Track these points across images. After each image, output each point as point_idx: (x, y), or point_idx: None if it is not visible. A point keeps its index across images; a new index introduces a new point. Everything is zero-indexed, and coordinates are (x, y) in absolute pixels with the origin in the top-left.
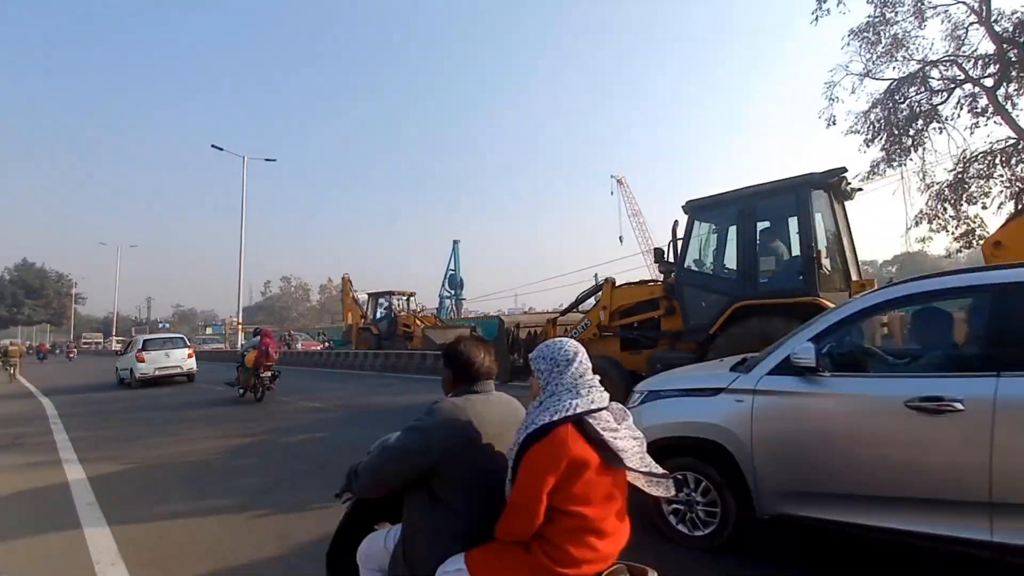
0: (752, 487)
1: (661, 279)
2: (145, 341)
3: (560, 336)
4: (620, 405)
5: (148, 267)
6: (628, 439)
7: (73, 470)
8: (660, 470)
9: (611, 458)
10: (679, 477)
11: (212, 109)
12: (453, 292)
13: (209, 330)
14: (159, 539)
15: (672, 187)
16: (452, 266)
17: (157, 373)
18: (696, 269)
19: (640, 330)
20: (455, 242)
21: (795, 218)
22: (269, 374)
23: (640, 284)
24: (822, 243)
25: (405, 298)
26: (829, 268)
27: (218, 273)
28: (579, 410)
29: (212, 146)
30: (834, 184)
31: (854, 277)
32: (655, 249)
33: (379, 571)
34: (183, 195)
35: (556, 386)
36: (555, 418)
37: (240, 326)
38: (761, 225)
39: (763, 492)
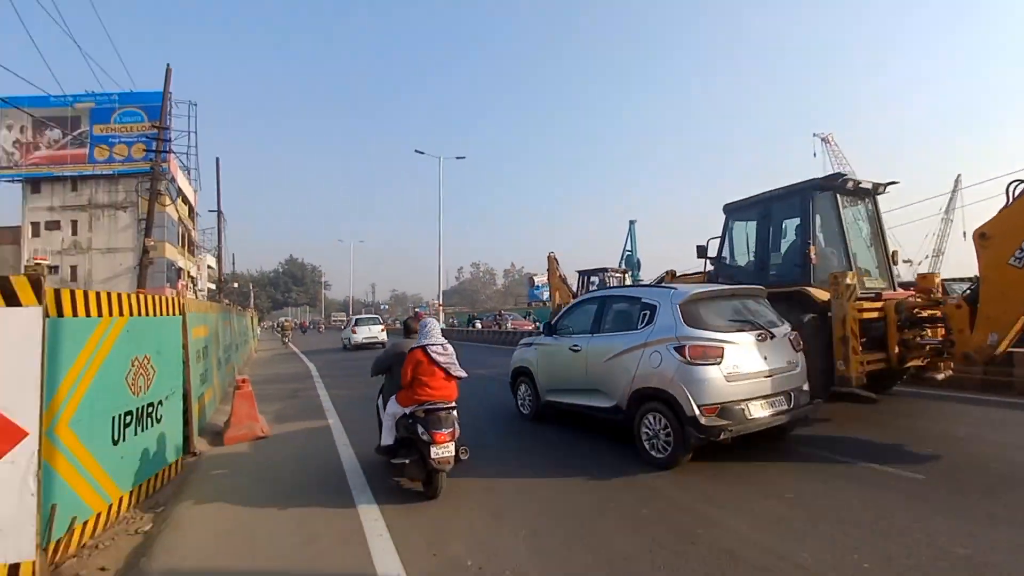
0: (539, 387)
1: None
2: (356, 319)
3: None
4: (444, 340)
5: (373, 258)
6: (442, 355)
7: (331, 417)
8: (457, 369)
9: (432, 360)
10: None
11: (410, 111)
12: (630, 273)
13: (418, 311)
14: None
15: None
16: (628, 246)
17: (363, 340)
18: (727, 262)
19: None
20: (631, 222)
21: (797, 218)
22: None
23: (695, 274)
24: (821, 240)
25: (620, 275)
26: (838, 262)
27: (423, 261)
28: (424, 343)
29: (415, 151)
30: (838, 186)
31: (883, 283)
32: (697, 246)
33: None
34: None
35: (421, 335)
36: (415, 345)
37: (440, 307)
38: (775, 224)
39: (542, 389)
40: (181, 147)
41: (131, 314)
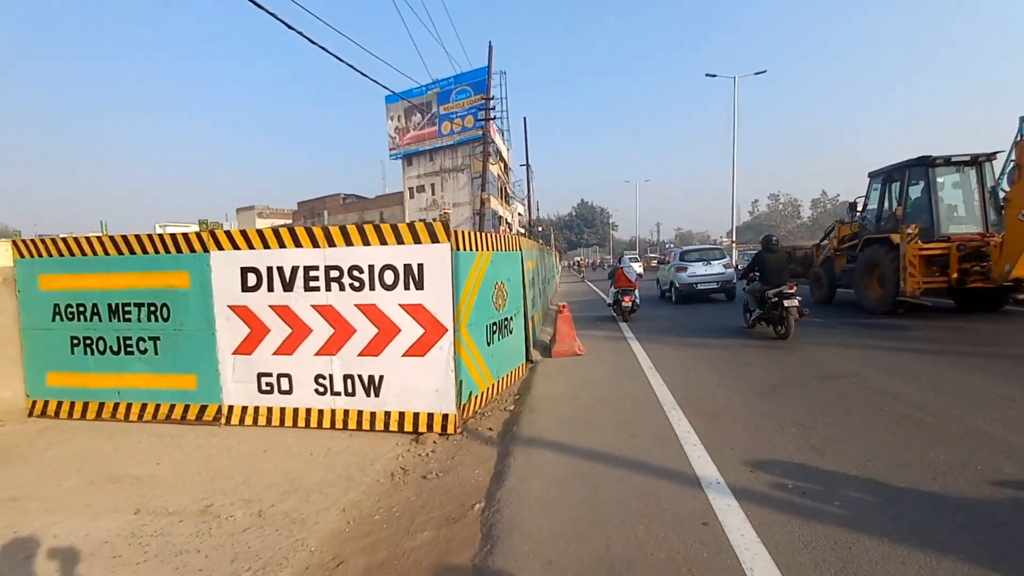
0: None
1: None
2: (680, 252)
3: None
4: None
5: (658, 197)
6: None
7: (635, 345)
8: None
9: None
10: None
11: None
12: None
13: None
14: (700, 396)
15: None
16: (1013, 156)
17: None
18: (864, 216)
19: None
20: (1022, 119)
21: (898, 184)
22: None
23: (851, 224)
24: (911, 202)
25: None
26: (924, 217)
27: (709, 196)
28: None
29: (707, 75)
30: (930, 162)
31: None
32: (849, 204)
33: None
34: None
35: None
36: None
37: (735, 244)
38: (889, 189)
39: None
40: (496, 113)
41: (493, 249)
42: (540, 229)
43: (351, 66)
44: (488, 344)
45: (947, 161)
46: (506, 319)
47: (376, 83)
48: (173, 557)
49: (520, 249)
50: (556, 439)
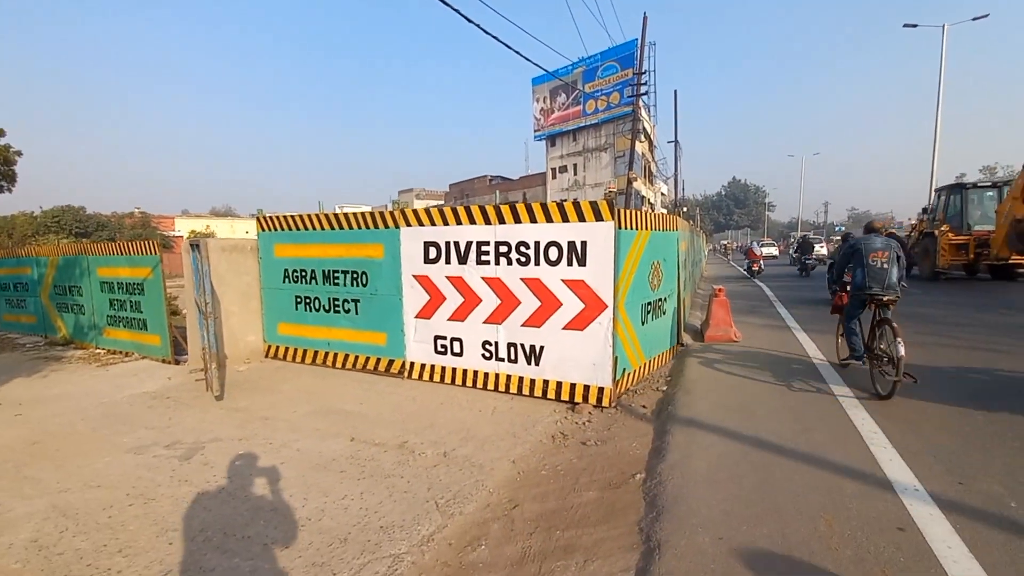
0: None
1: None
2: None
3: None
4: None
5: (827, 173)
6: None
7: (800, 335)
8: None
9: None
10: None
11: None
12: None
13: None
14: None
15: None
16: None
17: None
18: (928, 217)
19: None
20: None
21: (945, 198)
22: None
23: (922, 221)
24: (953, 209)
25: None
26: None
27: (897, 171)
28: None
29: (904, 25)
30: (962, 186)
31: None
32: (923, 208)
33: None
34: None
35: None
36: None
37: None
38: (943, 200)
39: None
40: (644, 87)
41: (652, 229)
42: (685, 209)
43: (503, 43)
44: (643, 323)
45: (974, 186)
46: (660, 300)
47: (526, 60)
48: (384, 479)
49: (678, 229)
50: (717, 423)
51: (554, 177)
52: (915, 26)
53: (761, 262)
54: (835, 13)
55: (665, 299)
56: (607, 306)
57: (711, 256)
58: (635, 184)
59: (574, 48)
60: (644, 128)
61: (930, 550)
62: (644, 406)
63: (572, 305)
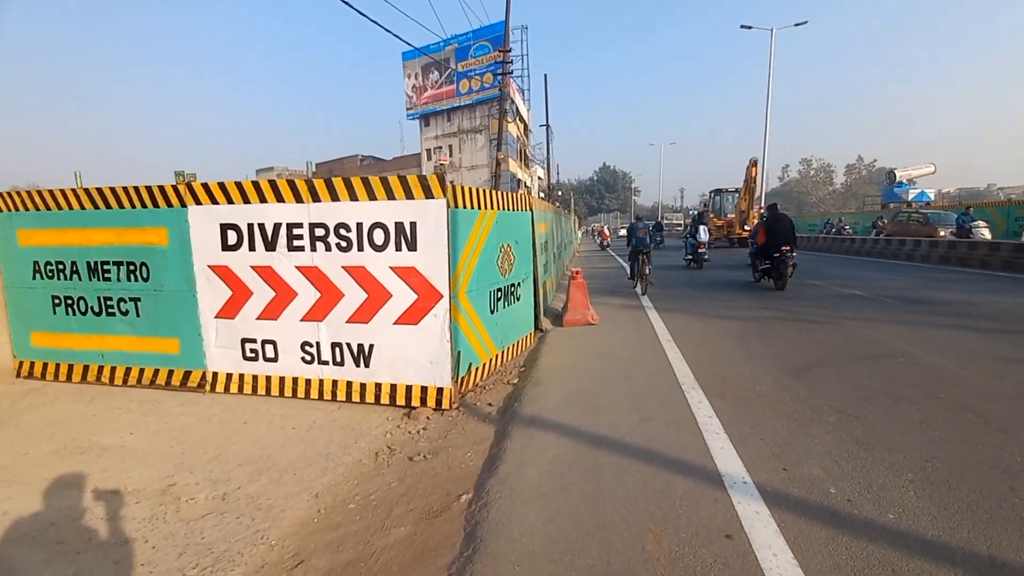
0: None
1: None
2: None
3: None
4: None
5: (684, 161)
6: None
7: (652, 315)
8: None
9: None
10: None
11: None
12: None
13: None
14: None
15: None
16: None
17: None
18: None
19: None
20: None
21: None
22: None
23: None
24: (720, 203)
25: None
26: None
27: (738, 161)
28: None
29: (742, 27)
30: (720, 191)
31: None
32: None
33: None
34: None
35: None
36: None
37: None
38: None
39: None
40: (516, 70)
41: (500, 208)
42: (560, 193)
43: (367, 16)
44: (492, 312)
45: (725, 190)
46: (513, 285)
47: (394, 36)
48: (117, 547)
49: (531, 210)
50: (560, 419)
51: (429, 158)
52: (750, 28)
53: (610, 239)
54: (696, 10)
55: (519, 284)
56: (442, 296)
57: (586, 240)
58: (510, 167)
59: (454, 23)
60: (518, 111)
61: (757, 562)
62: (491, 404)
63: (404, 296)
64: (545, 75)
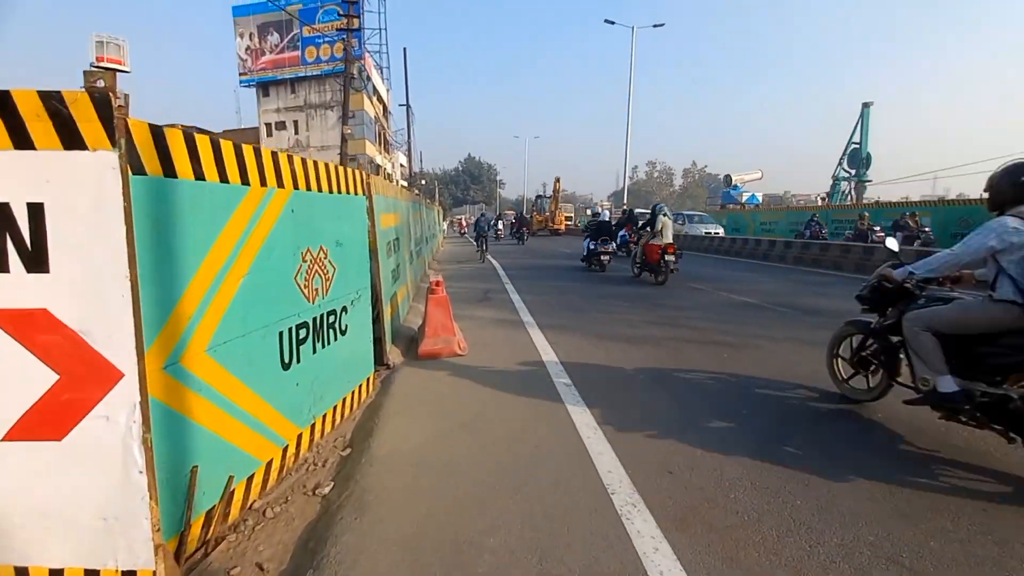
0: None
1: None
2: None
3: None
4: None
5: (546, 155)
6: None
7: (536, 336)
8: None
9: None
10: None
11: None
12: (854, 172)
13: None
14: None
15: None
16: (857, 138)
17: None
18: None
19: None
20: (865, 106)
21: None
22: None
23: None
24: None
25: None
26: None
27: (596, 158)
28: None
29: (605, 21)
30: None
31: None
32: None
33: None
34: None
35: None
36: None
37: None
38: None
39: None
40: (374, 46)
41: (296, 187)
42: (424, 182)
43: None
44: (287, 365)
45: (544, 196)
46: (332, 313)
47: None
48: None
49: (369, 194)
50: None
51: (269, 134)
52: (613, 23)
53: (467, 228)
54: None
55: (346, 308)
56: (121, 374)
57: (450, 231)
58: (367, 150)
59: None
60: (375, 89)
61: None
62: (264, 570)
63: (20, 378)
64: (404, 49)
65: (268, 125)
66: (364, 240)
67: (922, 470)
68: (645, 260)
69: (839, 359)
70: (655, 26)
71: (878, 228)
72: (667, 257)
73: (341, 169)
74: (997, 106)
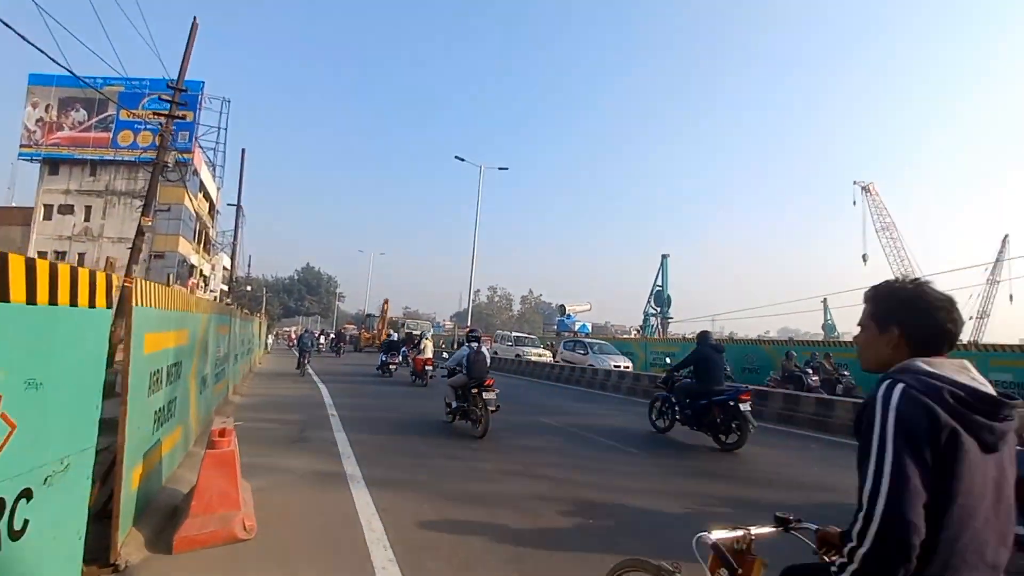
0: None
1: None
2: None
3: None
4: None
5: (389, 272)
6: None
7: (362, 504)
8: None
9: None
10: None
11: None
12: (659, 310)
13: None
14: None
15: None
16: (660, 282)
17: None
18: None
19: None
20: (664, 256)
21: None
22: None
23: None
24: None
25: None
26: None
27: (439, 279)
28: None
29: (456, 157)
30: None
31: None
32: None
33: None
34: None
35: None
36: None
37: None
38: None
39: None
40: (209, 142)
41: None
42: (250, 288)
43: None
44: None
45: (374, 315)
46: None
47: (32, 45)
48: None
49: (113, 303)
50: None
51: (48, 216)
52: (463, 160)
53: (295, 341)
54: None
55: (29, 492)
56: None
57: (277, 345)
58: (180, 248)
59: (138, 63)
60: (202, 185)
61: None
62: None
63: None
64: (243, 150)
65: (49, 207)
66: (97, 374)
67: None
68: (417, 372)
69: (652, 410)
70: (500, 168)
71: (811, 371)
72: (486, 395)
73: (60, 268)
74: (760, 270)
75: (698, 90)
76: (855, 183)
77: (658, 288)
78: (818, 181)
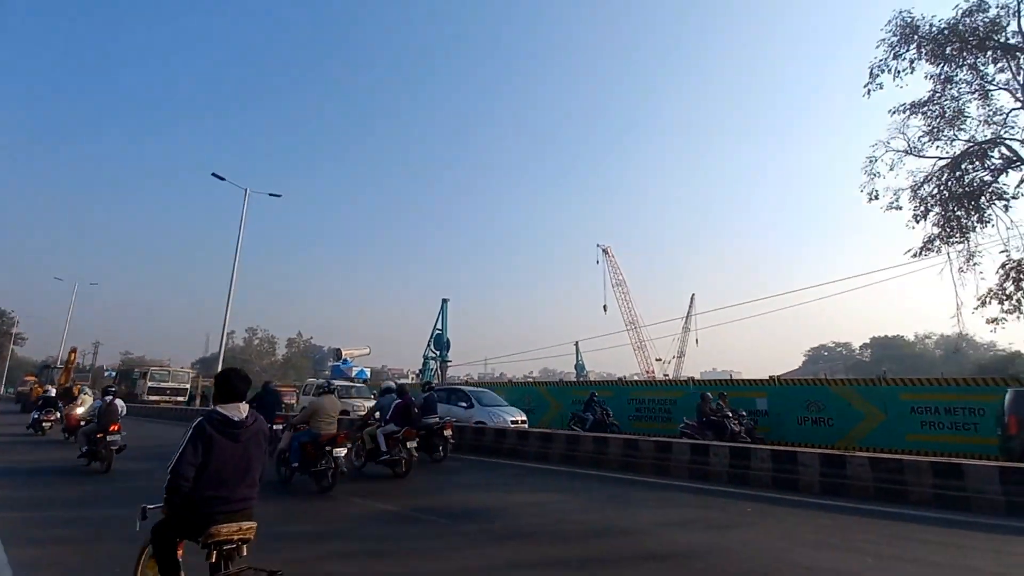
0: None
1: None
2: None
3: None
4: None
5: (102, 310)
6: None
7: None
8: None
9: None
10: None
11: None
12: (439, 353)
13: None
14: None
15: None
16: (439, 325)
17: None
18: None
19: None
20: (444, 301)
21: None
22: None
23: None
24: None
25: None
26: None
27: (176, 320)
28: None
29: (213, 175)
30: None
31: None
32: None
33: None
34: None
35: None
36: None
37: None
38: None
39: None
40: None
41: None
42: None
43: None
44: None
45: (53, 367)
46: None
47: None
48: None
49: None
50: None
51: None
52: (223, 179)
53: None
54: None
55: None
56: None
57: None
58: None
59: None
60: None
61: None
62: None
63: None
64: None
65: None
66: None
67: None
68: (70, 429)
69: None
70: (271, 195)
71: (744, 413)
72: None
73: None
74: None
75: (481, 147)
76: (598, 245)
77: (438, 332)
78: (575, 240)
